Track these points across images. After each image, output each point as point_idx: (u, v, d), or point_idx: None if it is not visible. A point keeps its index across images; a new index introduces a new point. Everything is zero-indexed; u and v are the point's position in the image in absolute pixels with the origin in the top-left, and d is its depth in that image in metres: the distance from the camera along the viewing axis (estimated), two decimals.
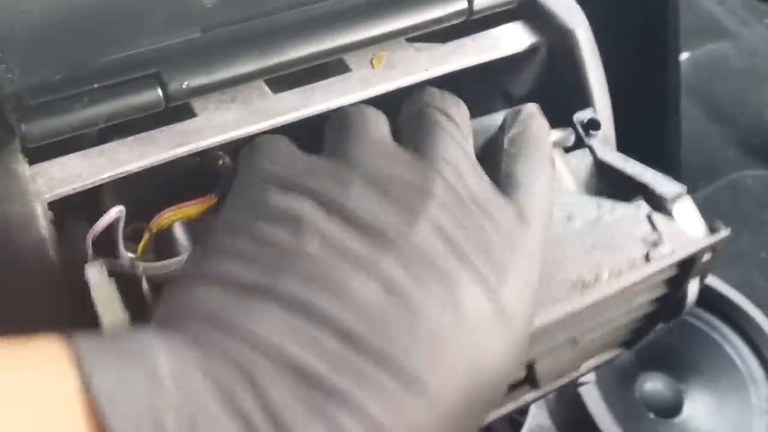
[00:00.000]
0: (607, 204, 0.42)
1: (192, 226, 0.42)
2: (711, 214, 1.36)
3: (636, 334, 0.46)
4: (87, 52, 0.41)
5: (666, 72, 1.17)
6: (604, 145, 0.47)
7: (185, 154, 0.42)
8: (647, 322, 0.46)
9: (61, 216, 0.40)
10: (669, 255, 0.40)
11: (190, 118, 0.43)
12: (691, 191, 1.41)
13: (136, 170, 0.41)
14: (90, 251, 0.39)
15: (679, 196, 0.44)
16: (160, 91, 0.41)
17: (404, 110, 0.40)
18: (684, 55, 1.43)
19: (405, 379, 0.28)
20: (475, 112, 0.61)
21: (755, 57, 1.46)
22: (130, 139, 0.42)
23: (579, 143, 0.47)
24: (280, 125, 0.44)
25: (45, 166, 0.40)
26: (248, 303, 0.29)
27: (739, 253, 1.17)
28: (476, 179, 0.35)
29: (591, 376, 0.87)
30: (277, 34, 0.44)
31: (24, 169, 0.39)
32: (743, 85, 1.42)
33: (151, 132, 0.42)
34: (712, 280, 0.99)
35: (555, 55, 0.52)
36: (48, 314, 0.37)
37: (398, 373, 0.28)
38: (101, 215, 0.42)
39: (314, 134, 0.53)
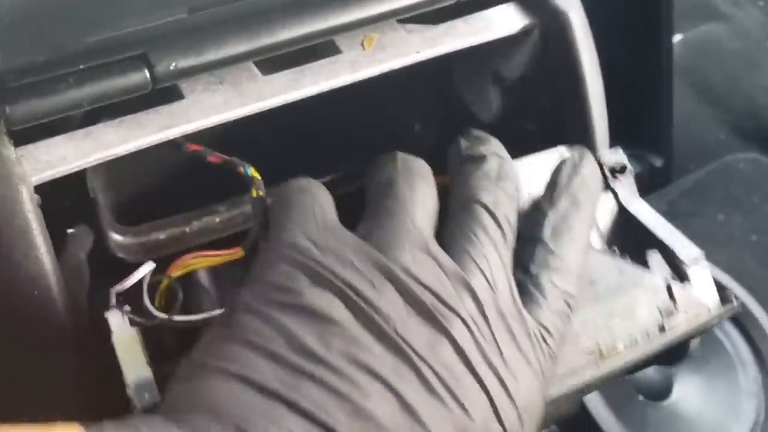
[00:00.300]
0: (629, 270, 0.43)
1: (217, 274, 0.41)
2: (702, 196, 1.36)
3: (634, 371, 0.47)
4: (72, 32, 0.40)
5: (659, 54, 1.17)
6: (630, 189, 0.47)
7: (172, 137, 0.41)
8: (647, 364, 0.47)
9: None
10: (682, 325, 0.42)
11: (178, 100, 0.42)
12: (683, 174, 1.41)
13: (123, 153, 0.41)
14: (113, 300, 0.39)
15: (696, 261, 0.44)
16: (147, 73, 0.40)
17: (454, 195, 0.39)
18: (677, 37, 1.43)
19: None
20: (466, 94, 0.61)
21: (748, 39, 1.45)
22: (116, 121, 0.41)
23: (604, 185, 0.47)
24: (269, 108, 0.43)
25: (30, 148, 0.40)
26: (270, 410, 0.29)
27: (730, 236, 1.17)
28: (507, 294, 0.35)
29: None
30: (266, 15, 0.44)
31: (9, 151, 0.38)
32: (736, 67, 1.42)
33: (138, 114, 0.42)
34: None
35: (548, 37, 0.52)
36: (35, 298, 0.37)
37: None
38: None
39: (303, 116, 0.53)
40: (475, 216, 0.36)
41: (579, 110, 0.52)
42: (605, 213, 0.46)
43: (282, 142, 0.60)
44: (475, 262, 0.34)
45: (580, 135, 0.52)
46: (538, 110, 0.58)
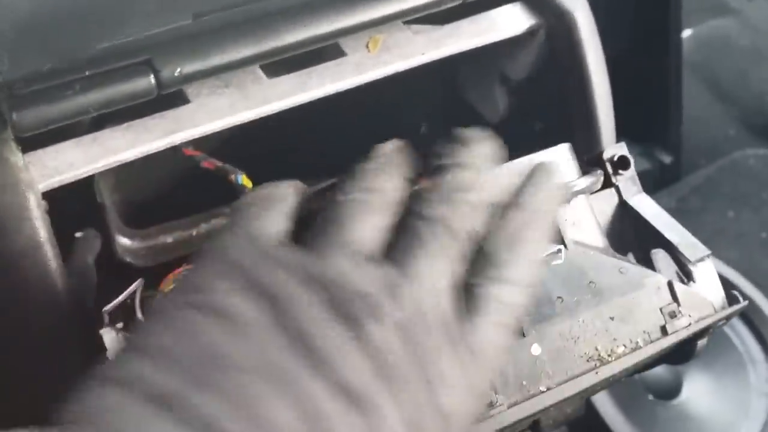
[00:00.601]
0: (630, 270, 0.42)
1: None
2: (712, 193, 1.35)
3: (641, 370, 0.47)
4: (77, 40, 0.40)
5: (668, 49, 1.16)
6: (632, 184, 0.46)
7: (179, 142, 0.41)
8: (654, 364, 0.46)
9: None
10: (685, 328, 0.41)
11: (184, 104, 0.42)
12: (692, 170, 1.40)
13: (130, 158, 0.41)
14: (106, 319, 0.38)
15: (701, 260, 0.44)
16: (152, 78, 0.40)
17: (413, 203, 0.37)
18: (686, 33, 1.42)
19: None
20: (472, 94, 0.61)
21: (758, 34, 1.44)
22: (123, 126, 0.42)
23: (607, 183, 0.46)
24: (275, 111, 0.43)
25: (38, 154, 0.40)
26: (153, 421, 0.27)
27: (740, 232, 1.17)
28: (447, 304, 0.33)
29: None
30: (271, 19, 0.44)
31: (17, 158, 0.39)
32: (746, 63, 1.41)
33: (145, 119, 0.42)
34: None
35: (553, 37, 0.52)
36: (43, 305, 0.37)
37: None
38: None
39: (309, 119, 0.53)
40: (427, 226, 0.34)
41: (585, 109, 0.52)
42: (607, 209, 0.45)
43: (287, 146, 0.60)
44: (417, 270, 0.33)
45: (586, 134, 0.52)
46: (545, 110, 0.57)
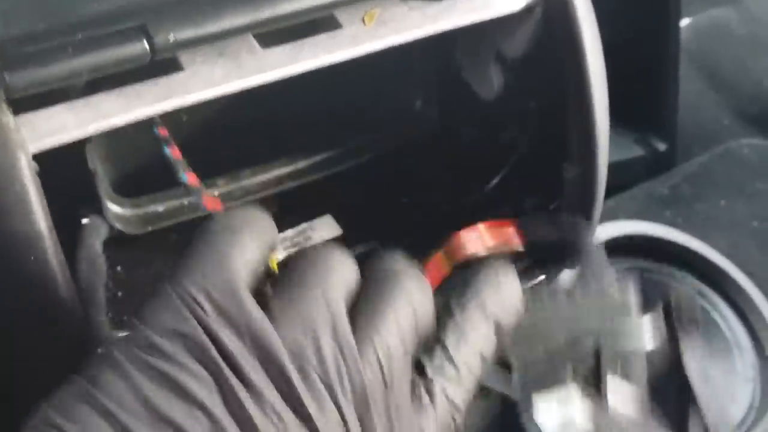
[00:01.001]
0: None
1: None
2: (705, 181, 1.36)
3: None
4: (71, 2, 0.40)
5: (666, 37, 1.16)
6: (695, 346, 0.45)
7: (171, 109, 0.41)
8: None
9: None
10: None
11: (177, 71, 0.42)
12: (686, 158, 1.41)
13: (122, 124, 0.41)
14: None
15: None
16: (146, 43, 0.40)
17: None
18: (685, 21, 1.41)
19: None
20: (467, 72, 0.61)
21: (757, 24, 1.44)
22: (115, 91, 0.41)
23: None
24: (269, 81, 0.43)
25: (30, 117, 0.40)
26: None
27: (732, 221, 1.17)
28: (402, 390, 0.33)
29: None
30: None
31: (8, 119, 0.39)
32: (744, 52, 1.41)
33: (138, 85, 0.42)
34: (702, 247, 0.99)
35: (550, 15, 0.52)
36: (32, 264, 0.37)
37: None
38: None
39: (301, 90, 0.53)
40: (392, 302, 0.34)
41: (580, 88, 0.52)
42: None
43: (279, 119, 0.60)
44: (375, 348, 0.32)
45: (580, 113, 0.52)
46: (540, 89, 0.57)
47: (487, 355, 0.36)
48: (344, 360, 0.31)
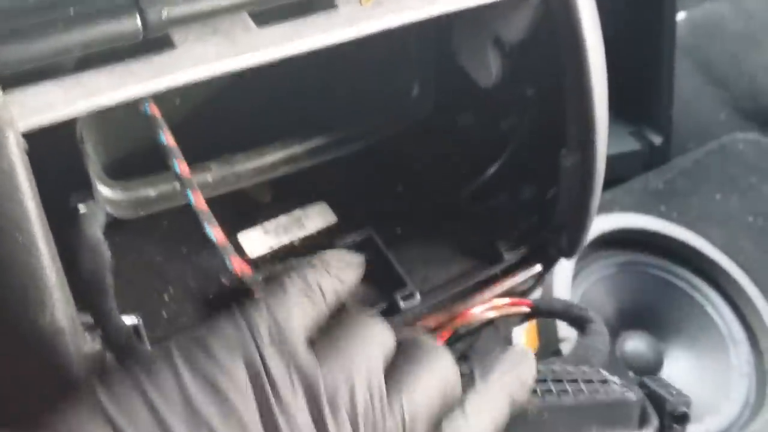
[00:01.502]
0: None
1: None
2: (700, 176, 1.35)
3: None
4: None
5: (662, 31, 1.16)
6: None
7: (164, 88, 0.40)
8: None
9: None
10: None
11: (170, 49, 0.41)
12: (682, 152, 1.40)
13: (113, 102, 0.40)
14: None
15: None
16: (138, 20, 0.39)
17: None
18: (681, 15, 1.41)
19: None
20: (465, 58, 0.60)
21: (752, 19, 1.44)
22: (107, 69, 0.40)
23: (661, 428, 0.46)
24: (263, 61, 0.42)
25: (19, 94, 0.39)
26: None
27: (727, 216, 1.17)
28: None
29: (573, 332, 0.86)
30: None
31: None
32: (739, 47, 1.41)
33: (129, 63, 0.41)
34: (697, 241, 0.99)
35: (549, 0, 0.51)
36: (18, 243, 0.36)
37: None
38: None
39: (295, 75, 0.52)
40: (423, 368, 0.38)
41: (579, 75, 0.51)
42: None
43: (273, 100, 0.59)
44: (402, 404, 0.36)
45: (579, 100, 0.51)
46: (538, 75, 0.57)
47: (500, 426, 0.39)
48: (372, 406, 0.34)
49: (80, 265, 0.43)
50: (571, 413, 0.44)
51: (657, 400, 0.46)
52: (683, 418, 0.46)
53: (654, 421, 0.46)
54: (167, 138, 0.46)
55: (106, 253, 0.44)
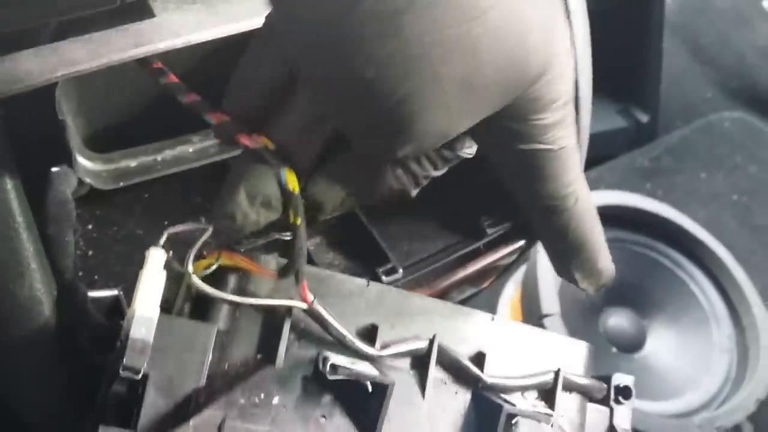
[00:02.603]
0: None
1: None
2: (686, 154, 1.35)
3: None
4: None
5: (650, 9, 1.16)
6: (627, 414, 0.46)
7: (142, 55, 0.40)
8: None
9: None
10: None
11: (149, 18, 0.41)
12: (668, 130, 1.40)
13: (89, 70, 0.39)
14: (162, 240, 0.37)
15: None
16: None
17: None
18: None
19: None
20: None
21: None
22: (84, 37, 0.40)
23: (604, 400, 0.46)
24: (243, 30, 0.42)
25: None
26: None
27: (712, 194, 1.17)
28: None
29: (556, 308, 0.87)
30: None
31: None
32: (727, 26, 1.40)
33: (107, 31, 0.40)
34: (681, 219, 0.99)
35: None
36: None
37: None
38: None
39: None
40: None
41: None
42: (595, 428, 0.44)
43: None
44: None
45: None
46: None
47: None
48: None
49: (46, 219, 0.42)
50: None
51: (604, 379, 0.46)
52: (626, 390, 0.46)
53: None
54: (170, 78, 0.44)
55: (72, 212, 0.43)
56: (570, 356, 0.44)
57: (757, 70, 1.35)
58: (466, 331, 0.40)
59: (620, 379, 0.46)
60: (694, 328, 0.96)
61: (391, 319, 0.39)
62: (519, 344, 0.42)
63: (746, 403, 0.87)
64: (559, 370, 0.42)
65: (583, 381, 0.44)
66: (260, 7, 0.42)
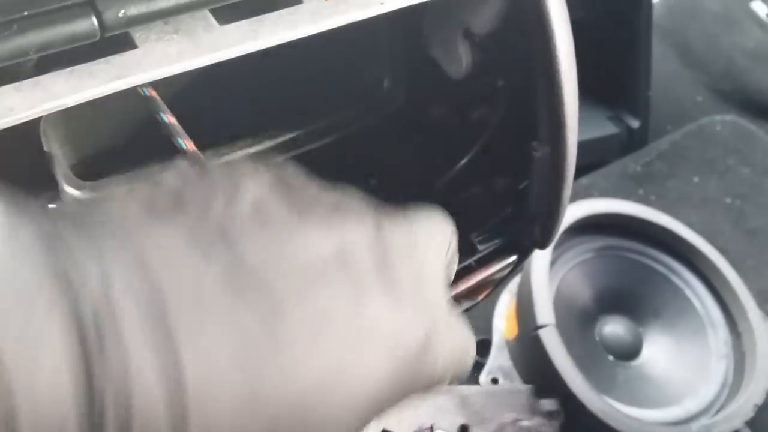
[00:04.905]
0: None
1: None
2: (678, 158, 1.36)
3: None
4: None
5: (638, 14, 1.16)
6: None
7: (125, 87, 0.40)
8: None
9: None
10: None
11: (131, 49, 0.41)
12: (659, 135, 1.41)
13: (72, 104, 0.39)
14: None
15: None
16: (94, 20, 0.38)
17: None
18: None
19: None
20: (436, 50, 0.60)
21: (730, 1, 1.44)
22: (66, 70, 0.40)
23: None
24: (225, 59, 0.42)
25: None
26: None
27: (705, 198, 1.18)
28: None
29: (551, 319, 0.87)
30: None
31: None
32: (717, 29, 1.41)
33: (89, 64, 0.40)
34: (675, 225, 0.99)
35: None
36: None
37: None
38: None
39: (263, 68, 0.51)
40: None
41: (548, 66, 0.51)
42: None
43: (243, 97, 0.58)
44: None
45: (548, 92, 0.51)
46: (508, 66, 0.56)
47: None
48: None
49: None
50: None
51: None
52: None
53: None
54: (168, 117, 0.46)
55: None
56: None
57: (747, 72, 1.35)
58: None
59: (546, 406, 0.47)
60: (690, 335, 0.96)
61: None
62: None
63: (744, 408, 0.86)
64: None
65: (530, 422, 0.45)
66: (242, 36, 0.42)
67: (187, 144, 0.46)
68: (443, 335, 0.33)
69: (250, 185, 0.32)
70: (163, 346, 0.26)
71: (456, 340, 0.34)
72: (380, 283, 0.31)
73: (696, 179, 1.19)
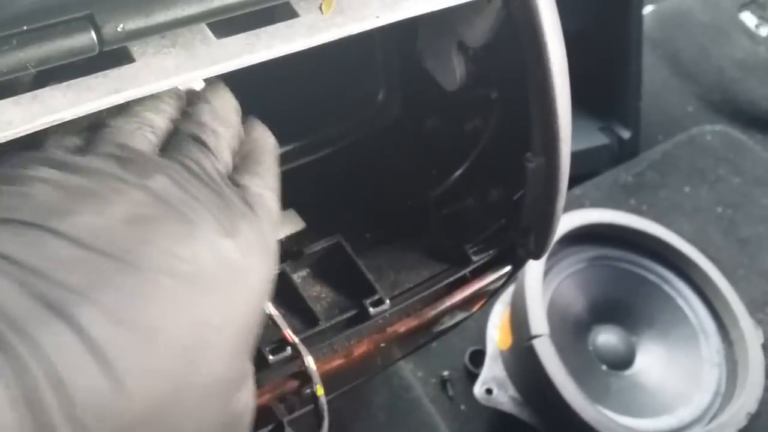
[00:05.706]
0: None
1: None
2: (669, 168, 1.37)
3: None
4: None
5: (629, 25, 1.17)
6: None
7: (123, 101, 0.40)
8: None
9: None
10: None
11: (129, 63, 0.41)
12: (651, 145, 1.42)
13: (71, 117, 0.40)
14: None
15: None
16: (93, 34, 0.39)
17: None
18: (648, 8, 1.42)
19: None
20: (430, 62, 0.61)
21: (719, 11, 1.45)
22: (64, 84, 0.40)
23: None
24: (222, 72, 0.42)
25: None
26: None
27: (696, 207, 1.18)
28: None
29: (544, 329, 0.87)
30: None
31: None
32: (706, 40, 1.42)
33: (87, 77, 0.40)
34: (667, 234, 1.00)
35: (510, 3, 0.51)
36: None
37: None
38: None
39: (259, 81, 0.52)
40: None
41: (541, 78, 0.51)
42: None
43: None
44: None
45: (541, 103, 0.52)
46: (502, 78, 0.57)
47: None
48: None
49: None
50: None
51: None
52: None
53: None
54: None
55: None
56: None
57: (737, 83, 1.36)
58: None
59: None
60: (683, 344, 0.96)
61: None
62: None
63: (737, 417, 0.87)
64: None
65: None
66: (239, 49, 0.42)
67: None
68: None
69: None
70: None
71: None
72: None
73: (687, 189, 1.20)
